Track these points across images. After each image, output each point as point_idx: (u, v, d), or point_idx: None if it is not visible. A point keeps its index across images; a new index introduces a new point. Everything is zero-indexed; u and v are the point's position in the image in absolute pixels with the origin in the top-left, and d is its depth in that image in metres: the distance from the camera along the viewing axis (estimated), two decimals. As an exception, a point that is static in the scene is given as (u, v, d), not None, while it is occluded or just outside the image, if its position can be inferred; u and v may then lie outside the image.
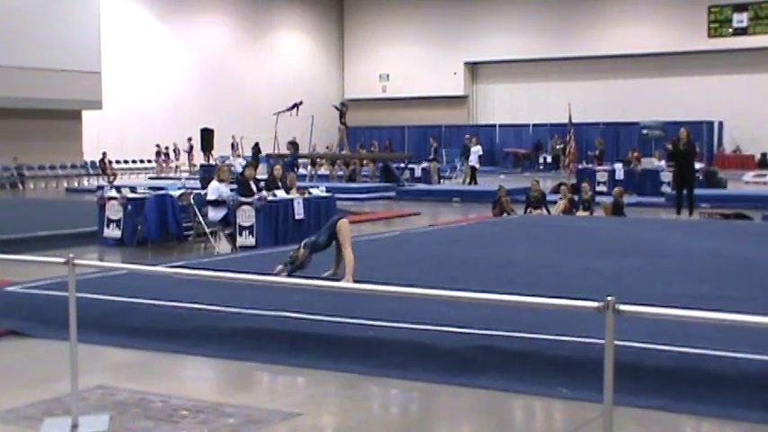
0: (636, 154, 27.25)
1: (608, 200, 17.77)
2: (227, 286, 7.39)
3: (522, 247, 11.36)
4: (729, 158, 39.56)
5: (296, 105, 31.82)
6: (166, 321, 7.08)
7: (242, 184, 13.77)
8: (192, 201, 13.62)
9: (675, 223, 16.19)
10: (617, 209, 16.84)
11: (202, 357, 6.59)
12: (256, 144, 32.63)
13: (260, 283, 5.46)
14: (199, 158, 36.68)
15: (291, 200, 13.63)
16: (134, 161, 37.74)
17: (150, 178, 33.26)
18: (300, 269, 8.54)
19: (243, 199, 13.09)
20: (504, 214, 17.02)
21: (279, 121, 31.09)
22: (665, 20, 40.97)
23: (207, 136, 34.36)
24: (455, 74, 46.49)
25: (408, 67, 46.98)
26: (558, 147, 36.44)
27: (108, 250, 13.53)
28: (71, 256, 5.03)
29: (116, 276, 8.50)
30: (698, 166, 21.31)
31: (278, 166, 16.39)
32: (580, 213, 16.93)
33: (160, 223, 13.75)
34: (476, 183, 27.60)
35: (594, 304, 3.70)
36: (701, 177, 22.23)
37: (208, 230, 13.46)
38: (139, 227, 13.73)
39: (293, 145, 27.20)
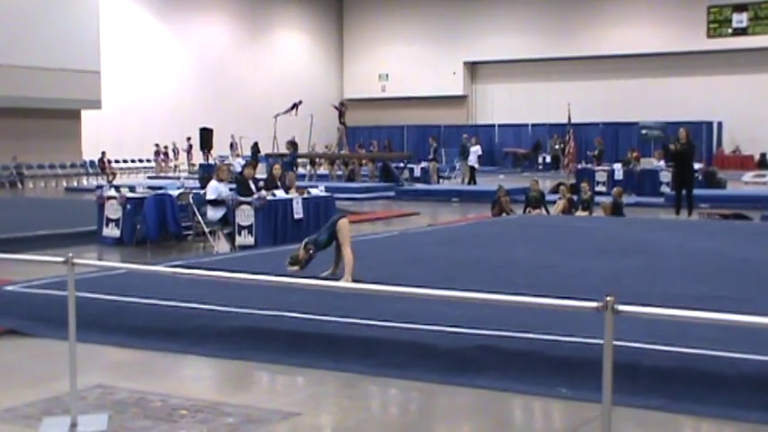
0: (635, 154, 27.24)
1: (607, 200, 17.77)
2: (226, 286, 7.39)
3: (522, 247, 11.36)
4: (729, 159, 39.57)
5: (295, 105, 31.81)
6: (165, 321, 7.08)
7: (241, 184, 13.77)
8: (191, 200, 13.62)
9: (674, 223, 16.19)
10: (616, 209, 16.85)
11: (201, 357, 6.59)
12: (255, 143, 32.62)
13: (259, 282, 5.46)
14: (198, 158, 36.69)
15: (290, 199, 13.63)
16: (133, 160, 37.72)
17: (149, 178, 33.26)
18: (302, 268, 8.56)
19: (242, 198, 13.09)
20: (504, 214, 17.02)
21: (278, 120, 31.09)
22: (665, 20, 40.98)
23: (206, 135, 34.35)
24: (454, 74, 46.49)
25: (408, 66, 46.98)
26: (557, 147, 36.45)
27: (107, 249, 13.53)
28: (70, 255, 5.03)
29: (115, 276, 8.50)
30: (697, 166, 21.31)
31: (277, 166, 16.39)
32: (579, 213, 16.93)
33: (159, 223, 13.75)
34: (475, 183, 27.60)
35: (593, 304, 3.70)
36: (700, 177, 22.24)
37: (207, 230, 13.45)
38: (138, 226, 13.73)
39: (292, 144, 27.20)
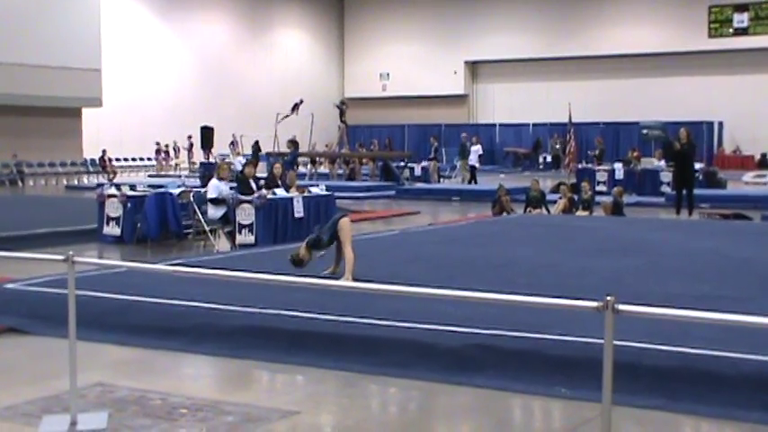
0: (635, 154, 27.23)
1: (607, 199, 17.76)
2: (226, 284, 7.38)
3: (522, 247, 11.36)
4: (729, 159, 39.56)
5: (296, 105, 31.83)
6: (166, 319, 7.08)
7: (242, 183, 13.77)
8: (191, 199, 13.62)
9: (675, 223, 16.18)
10: (616, 209, 16.84)
11: (201, 355, 6.59)
12: (256, 142, 32.61)
13: (259, 281, 5.46)
14: (198, 156, 36.68)
15: (291, 198, 13.63)
16: (134, 159, 37.74)
17: (150, 176, 33.28)
18: (302, 267, 8.57)
19: (242, 197, 13.09)
20: (504, 213, 17.02)
21: (278, 118, 31.10)
22: (666, 20, 40.97)
23: (207, 134, 34.35)
24: (455, 73, 46.49)
25: (408, 65, 46.97)
26: (557, 146, 36.46)
27: (107, 248, 13.53)
28: (70, 253, 5.03)
29: (115, 274, 8.50)
30: (697, 166, 21.29)
31: (278, 165, 16.39)
32: (580, 213, 16.93)
33: (160, 221, 13.76)
34: (475, 182, 27.60)
35: (594, 304, 3.70)
36: (700, 177, 22.23)
37: (207, 228, 13.45)
38: (139, 224, 13.73)
39: (293, 143, 27.18)
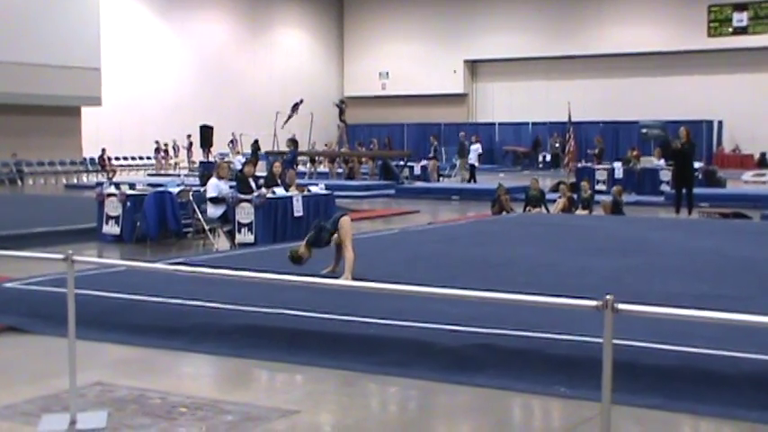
0: (635, 153, 27.23)
1: (607, 199, 17.76)
2: (225, 283, 7.39)
3: (521, 246, 11.37)
4: (729, 158, 39.56)
5: (296, 105, 31.83)
6: (165, 318, 7.08)
7: (241, 182, 13.77)
8: (191, 198, 13.62)
9: (674, 222, 16.19)
10: (616, 208, 16.84)
11: (201, 354, 6.59)
12: (256, 141, 32.63)
13: (259, 280, 5.46)
14: (198, 155, 36.68)
15: (291, 197, 13.62)
16: (133, 158, 37.70)
17: (149, 175, 33.28)
18: (301, 264, 8.56)
19: (242, 196, 13.09)
20: (504, 213, 17.02)
21: (278, 117, 31.09)
22: (665, 19, 40.96)
23: (206, 133, 34.36)
24: (455, 72, 46.47)
25: (408, 64, 46.95)
26: (557, 145, 36.45)
27: (107, 247, 13.53)
28: (70, 252, 5.02)
29: (115, 273, 8.50)
30: (697, 165, 21.29)
31: (277, 164, 16.39)
32: (579, 212, 16.93)
33: (159, 220, 13.76)
34: (475, 181, 27.61)
35: (593, 303, 3.70)
36: (700, 176, 22.23)
37: (207, 227, 13.46)
38: (138, 223, 13.73)
39: (293, 142, 27.18)
